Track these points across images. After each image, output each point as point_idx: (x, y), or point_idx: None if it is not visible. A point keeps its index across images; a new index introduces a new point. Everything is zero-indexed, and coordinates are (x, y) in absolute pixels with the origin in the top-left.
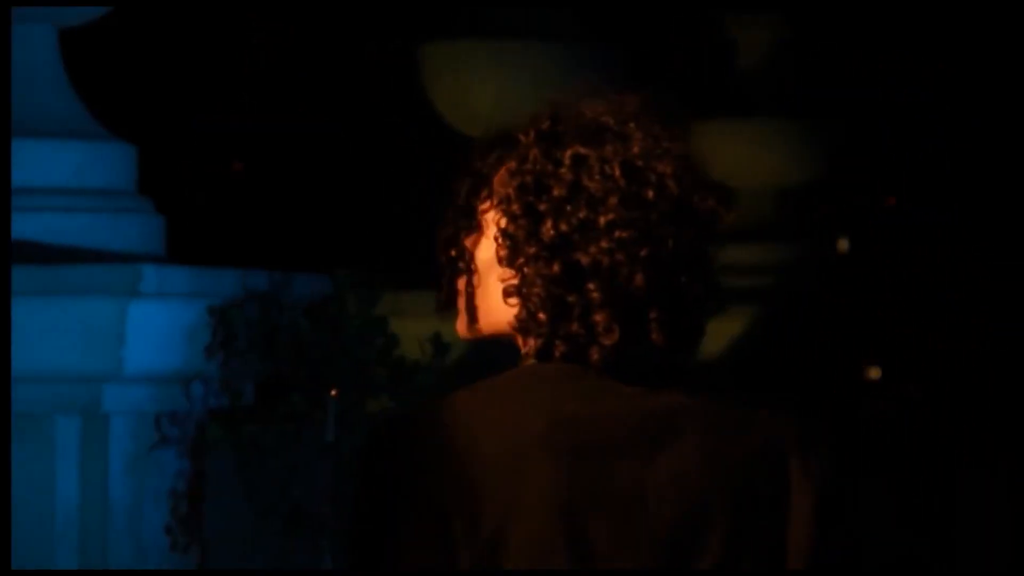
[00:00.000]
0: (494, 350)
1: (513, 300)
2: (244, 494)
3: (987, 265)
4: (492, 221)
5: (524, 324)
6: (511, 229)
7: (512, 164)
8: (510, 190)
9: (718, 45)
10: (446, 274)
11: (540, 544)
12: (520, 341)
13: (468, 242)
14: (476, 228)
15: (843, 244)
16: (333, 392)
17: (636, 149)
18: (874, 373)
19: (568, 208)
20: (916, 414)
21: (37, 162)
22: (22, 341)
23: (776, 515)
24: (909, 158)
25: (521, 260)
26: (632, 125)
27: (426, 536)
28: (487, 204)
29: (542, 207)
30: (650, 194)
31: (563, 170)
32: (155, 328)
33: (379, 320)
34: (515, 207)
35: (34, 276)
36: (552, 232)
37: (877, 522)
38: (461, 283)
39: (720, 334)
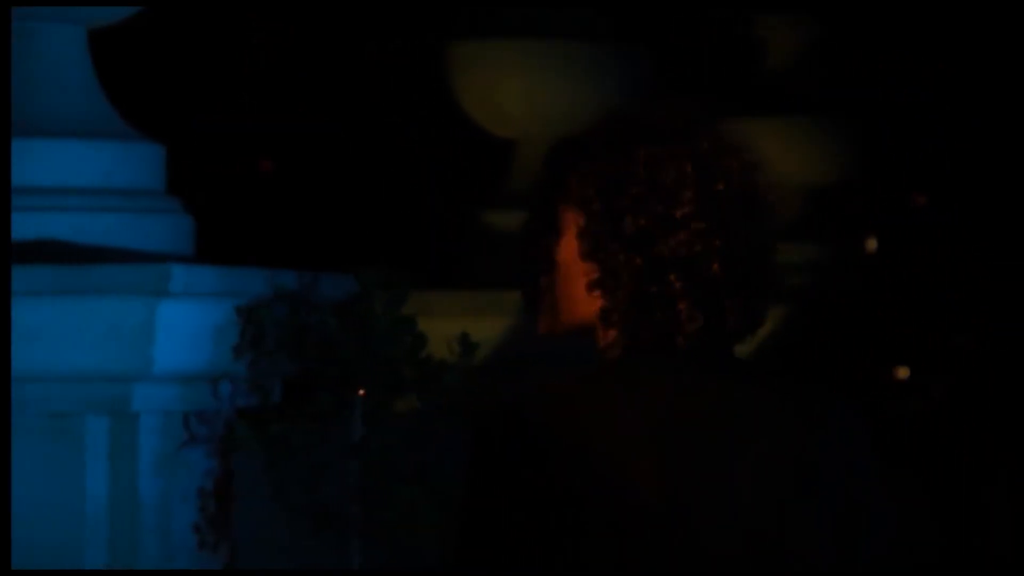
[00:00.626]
0: (522, 348)
1: (597, 293)
2: (272, 493)
3: (1017, 264)
4: (572, 221)
5: (610, 316)
6: (593, 227)
7: (587, 165)
8: (589, 190)
9: (745, 44)
10: (528, 275)
11: (651, 518)
12: (602, 333)
13: (548, 242)
14: (555, 229)
15: (871, 243)
16: (361, 392)
17: (704, 145)
18: (902, 373)
19: (646, 204)
20: (943, 414)
21: (66, 162)
22: (51, 341)
23: (847, 493)
24: (938, 157)
25: (603, 255)
26: (694, 124)
27: (551, 512)
28: (564, 205)
29: (621, 204)
30: (720, 186)
31: (638, 168)
32: (184, 327)
33: (406, 320)
34: (595, 206)
35: (63, 276)
36: (633, 227)
37: (904, 520)
38: (543, 282)
39: None
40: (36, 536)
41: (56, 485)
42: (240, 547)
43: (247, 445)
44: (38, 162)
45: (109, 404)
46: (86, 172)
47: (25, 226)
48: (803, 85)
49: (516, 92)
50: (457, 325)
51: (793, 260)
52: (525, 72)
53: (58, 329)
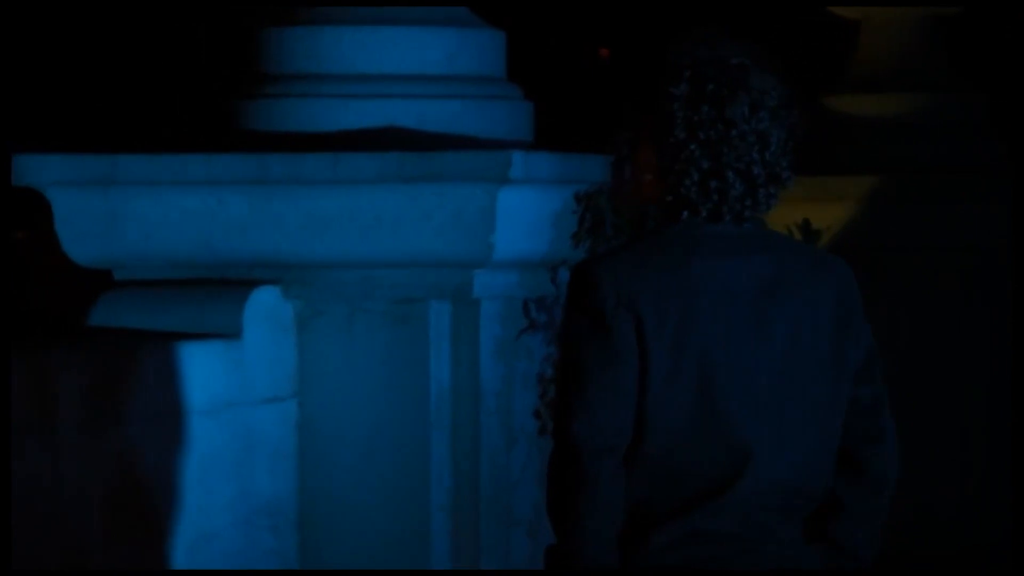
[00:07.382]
0: (863, 234)
1: (671, 183)
2: None
3: None
4: (655, 127)
5: (681, 200)
6: (673, 135)
7: (671, 89)
8: (672, 108)
9: None
10: (625, 165)
11: (707, 349)
12: (669, 209)
13: (639, 143)
14: (642, 132)
15: None
16: None
17: (755, 81)
18: None
19: (713, 124)
20: None
21: (410, 49)
22: (395, 227)
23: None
24: None
25: (682, 154)
26: (748, 62)
27: (630, 341)
28: (650, 116)
29: (695, 121)
30: (765, 111)
31: (708, 97)
32: (523, 214)
33: None
34: (676, 119)
35: (407, 163)
36: (702, 138)
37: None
38: (635, 171)
39: None
40: (382, 418)
41: (401, 370)
42: None
43: None
44: (384, 50)
45: (451, 290)
46: (430, 59)
47: (372, 114)
48: None
49: None
50: (799, 211)
51: None
52: None
53: (402, 216)
